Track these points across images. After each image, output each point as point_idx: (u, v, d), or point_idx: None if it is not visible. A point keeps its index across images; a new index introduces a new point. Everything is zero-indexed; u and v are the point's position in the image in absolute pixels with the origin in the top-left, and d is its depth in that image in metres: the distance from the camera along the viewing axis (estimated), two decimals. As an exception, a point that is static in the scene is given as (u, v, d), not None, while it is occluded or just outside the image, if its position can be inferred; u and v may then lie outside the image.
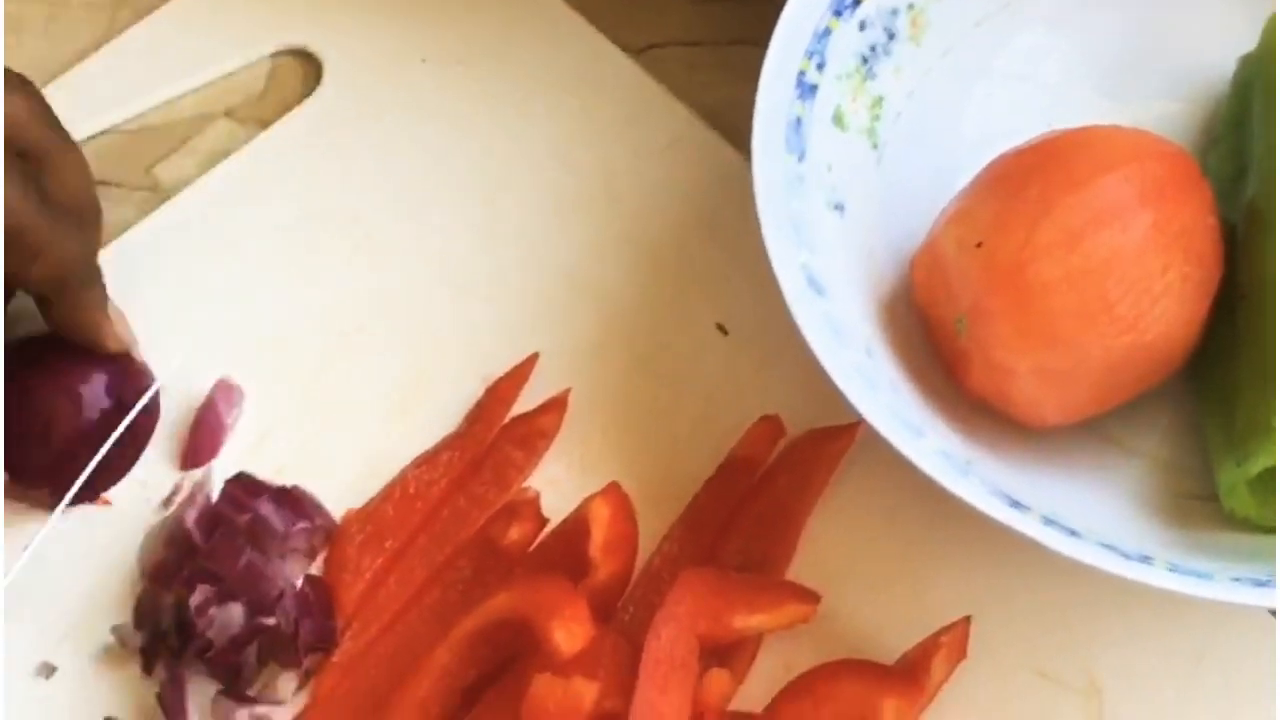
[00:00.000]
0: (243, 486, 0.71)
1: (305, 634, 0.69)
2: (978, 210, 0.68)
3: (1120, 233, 0.66)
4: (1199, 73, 0.77)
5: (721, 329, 0.76)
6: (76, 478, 0.71)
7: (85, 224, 0.72)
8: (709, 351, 0.75)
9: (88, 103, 0.82)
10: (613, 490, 0.69)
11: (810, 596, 0.68)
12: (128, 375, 0.73)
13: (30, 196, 0.68)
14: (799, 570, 0.70)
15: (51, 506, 0.71)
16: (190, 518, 0.70)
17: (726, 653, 0.68)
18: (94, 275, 0.73)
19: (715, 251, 0.77)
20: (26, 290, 0.72)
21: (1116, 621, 0.70)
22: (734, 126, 0.80)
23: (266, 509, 0.70)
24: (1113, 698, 0.68)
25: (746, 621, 0.67)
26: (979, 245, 0.67)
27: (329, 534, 0.71)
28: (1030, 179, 0.67)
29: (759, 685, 0.68)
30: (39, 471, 0.72)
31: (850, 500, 0.72)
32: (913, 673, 0.67)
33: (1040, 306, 0.66)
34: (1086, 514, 0.66)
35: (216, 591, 0.69)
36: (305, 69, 0.83)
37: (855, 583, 0.70)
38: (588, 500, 0.69)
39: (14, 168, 0.68)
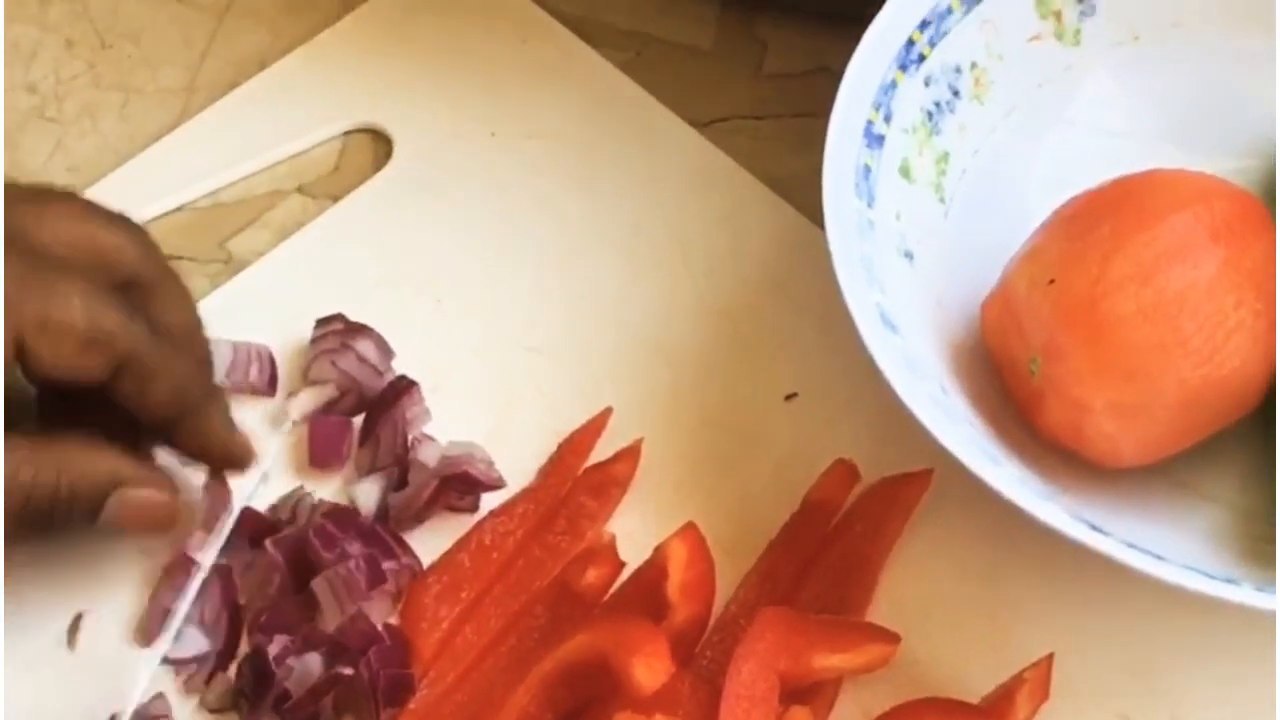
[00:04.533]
0: (335, 520, 0.71)
1: (384, 684, 0.68)
2: (1049, 249, 0.69)
3: (1192, 268, 0.67)
4: (1267, 130, 0.77)
5: (791, 397, 0.76)
6: None
7: (193, 350, 0.72)
8: (780, 410, 0.76)
9: (161, 182, 0.83)
10: (690, 531, 0.69)
11: (891, 637, 0.68)
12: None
13: (138, 321, 0.69)
14: (876, 616, 0.70)
15: None
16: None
17: (805, 695, 0.67)
18: (214, 392, 0.72)
19: (785, 313, 0.78)
20: (149, 419, 0.71)
21: (1202, 667, 0.69)
22: (800, 194, 0.81)
23: (354, 547, 0.70)
24: (1197, 745, 0.68)
25: (827, 661, 0.67)
26: (1051, 282, 0.68)
27: (415, 574, 0.71)
28: (1101, 218, 0.68)
29: (838, 731, 0.68)
30: None
31: (926, 546, 0.72)
32: (996, 710, 0.66)
33: (1115, 340, 0.66)
34: (1165, 553, 0.66)
35: (294, 641, 0.69)
36: (376, 146, 0.85)
37: (933, 628, 0.70)
38: (665, 541, 0.69)
39: (119, 297, 0.69)
